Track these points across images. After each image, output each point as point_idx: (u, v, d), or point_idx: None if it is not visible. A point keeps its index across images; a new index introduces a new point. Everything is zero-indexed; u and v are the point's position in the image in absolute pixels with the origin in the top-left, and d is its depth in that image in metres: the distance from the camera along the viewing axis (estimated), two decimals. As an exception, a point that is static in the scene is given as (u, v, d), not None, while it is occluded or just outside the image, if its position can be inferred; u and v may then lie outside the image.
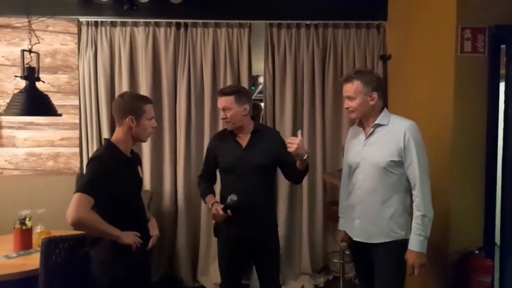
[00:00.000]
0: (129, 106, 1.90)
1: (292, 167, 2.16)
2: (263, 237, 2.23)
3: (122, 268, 1.87)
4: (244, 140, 2.22)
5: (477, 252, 2.37)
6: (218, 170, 2.34)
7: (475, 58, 2.44)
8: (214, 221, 2.26)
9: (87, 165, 1.85)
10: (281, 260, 2.75)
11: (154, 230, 2.07)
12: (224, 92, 2.18)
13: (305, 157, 2.02)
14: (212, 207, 2.16)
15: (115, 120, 1.94)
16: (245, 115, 2.19)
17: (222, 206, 2.11)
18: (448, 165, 2.47)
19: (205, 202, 2.31)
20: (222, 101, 2.16)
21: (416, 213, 1.89)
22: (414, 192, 1.91)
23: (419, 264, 1.88)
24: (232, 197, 2.08)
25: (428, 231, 1.88)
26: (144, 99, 1.99)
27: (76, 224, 1.73)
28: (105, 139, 2.00)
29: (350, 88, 1.96)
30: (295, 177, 2.28)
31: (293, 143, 1.96)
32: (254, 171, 2.16)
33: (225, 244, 2.27)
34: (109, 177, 1.80)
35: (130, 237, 1.84)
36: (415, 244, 1.88)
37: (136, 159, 2.08)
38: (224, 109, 2.16)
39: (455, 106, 2.43)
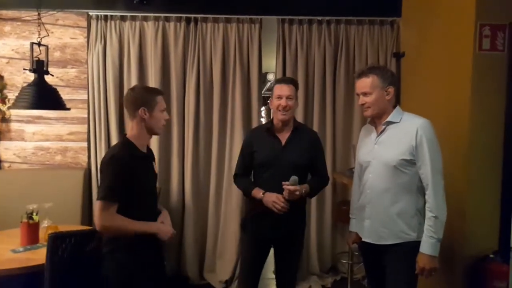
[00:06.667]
0: (141, 97, 1.88)
1: (318, 171, 2.28)
2: (291, 236, 2.22)
3: (134, 263, 1.84)
4: (283, 136, 2.20)
5: (492, 256, 2.30)
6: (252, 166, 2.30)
7: (494, 56, 2.36)
8: (243, 216, 2.30)
9: (102, 163, 1.82)
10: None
11: (168, 225, 2.01)
12: (292, 81, 2.21)
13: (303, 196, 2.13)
14: (269, 199, 2.09)
15: (128, 114, 1.93)
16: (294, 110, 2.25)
17: (282, 196, 2.07)
18: (465, 167, 2.40)
19: (250, 197, 2.24)
20: (289, 89, 2.16)
21: (428, 215, 1.83)
22: (426, 193, 1.85)
23: (430, 268, 1.82)
24: (294, 178, 2.05)
25: (441, 234, 1.82)
26: (155, 91, 1.99)
27: (103, 232, 1.77)
28: (122, 135, 2.00)
29: (366, 82, 1.91)
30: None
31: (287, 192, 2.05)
32: (291, 168, 2.13)
33: (251, 240, 2.25)
34: (126, 176, 1.78)
35: (167, 233, 1.88)
36: (427, 246, 1.82)
37: (151, 155, 2.07)
38: (288, 97, 2.14)
39: (472, 106, 2.36)
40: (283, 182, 2.05)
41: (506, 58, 2.36)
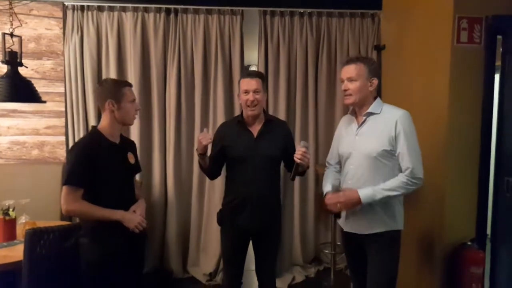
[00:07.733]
0: (108, 90, 1.96)
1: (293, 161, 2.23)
2: (269, 227, 2.22)
3: (98, 249, 1.89)
4: (255, 129, 2.19)
5: (469, 243, 2.37)
6: (225, 161, 2.27)
7: (471, 49, 2.41)
8: (219, 209, 2.28)
9: (69, 152, 1.95)
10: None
11: (137, 214, 1.98)
12: (257, 74, 2.19)
13: (305, 168, 2.09)
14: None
15: (100, 107, 2.01)
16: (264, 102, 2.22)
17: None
18: (443, 158, 2.45)
19: (201, 161, 2.20)
20: (255, 83, 2.13)
21: (404, 178, 1.84)
22: (403, 164, 1.86)
23: (345, 205, 1.89)
24: (305, 142, 2.07)
25: (394, 196, 1.84)
26: (122, 83, 2.04)
27: (68, 215, 1.89)
28: (92, 126, 2.07)
29: (353, 69, 1.92)
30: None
31: (301, 152, 1.99)
32: (265, 161, 2.15)
33: (230, 233, 2.24)
34: (89, 163, 1.85)
35: (133, 221, 1.90)
36: (368, 195, 1.84)
37: (126, 145, 2.11)
38: (255, 91, 2.12)
39: (450, 98, 2.41)
40: (301, 142, 2.05)
41: (483, 51, 2.41)
